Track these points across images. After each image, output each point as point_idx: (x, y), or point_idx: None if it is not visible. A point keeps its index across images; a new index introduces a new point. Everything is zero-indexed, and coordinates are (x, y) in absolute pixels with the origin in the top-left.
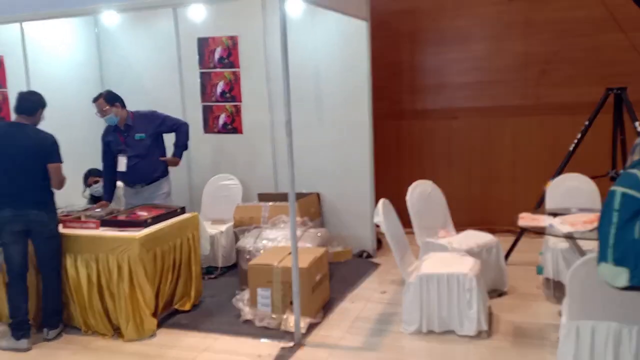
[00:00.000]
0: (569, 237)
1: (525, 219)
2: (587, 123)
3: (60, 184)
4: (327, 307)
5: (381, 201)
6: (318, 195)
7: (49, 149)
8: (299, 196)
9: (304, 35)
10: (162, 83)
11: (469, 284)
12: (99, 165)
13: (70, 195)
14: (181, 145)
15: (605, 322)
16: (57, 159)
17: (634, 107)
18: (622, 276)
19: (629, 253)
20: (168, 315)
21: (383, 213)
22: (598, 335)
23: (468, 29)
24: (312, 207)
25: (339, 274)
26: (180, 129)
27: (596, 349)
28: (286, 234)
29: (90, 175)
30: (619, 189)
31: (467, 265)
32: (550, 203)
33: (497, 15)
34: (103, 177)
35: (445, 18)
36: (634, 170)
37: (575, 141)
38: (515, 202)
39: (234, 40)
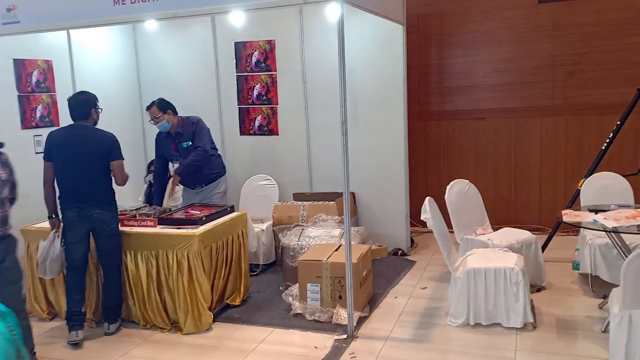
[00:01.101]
0: (615, 231)
1: (569, 216)
2: (619, 122)
3: (124, 180)
4: (372, 302)
5: (427, 199)
6: (353, 194)
7: (110, 147)
8: (336, 196)
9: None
10: (198, 87)
11: (515, 277)
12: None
13: (121, 196)
14: (186, 165)
15: None
16: (119, 156)
17: None
18: None
19: None
20: (220, 310)
21: (430, 210)
22: None
23: (495, 32)
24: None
25: (378, 271)
26: (196, 150)
27: None
28: (327, 231)
29: (151, 165)
30: None
31: (512, 260)
32: (584, 201)
33: (525, 18)
34: (153, 182)
35: (473, 22)
36: None
37: (608, 140)
38: (542, 201)
39: (271, 44)
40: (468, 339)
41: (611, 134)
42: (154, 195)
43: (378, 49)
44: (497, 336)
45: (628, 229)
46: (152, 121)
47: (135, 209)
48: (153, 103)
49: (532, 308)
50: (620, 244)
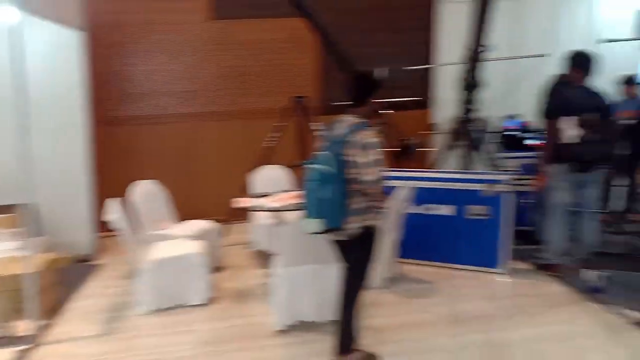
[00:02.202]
0: (277, 210)
1: (240, 202)
2: (279, 124)
3: None
4: (57, 309)
5: (108, 201)
6: (32, 204)
7: None
8: (11, 207)
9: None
10: None
11: (196, 261)
12: None
13: None
14: None
15: (305, 266)
16: None
17: (312, 111)
18: (317, 225)
19: (320, 208)
20: None
21: (113, 211)
22: (300, 277)
23: (175, 43)
24: (25, 217)
25: (64, 279)
26: None
27: (300, 287)
28: (3, 246)
29: None
30: (314, 166)
31: (193, 247)
32: (256, 189)
33: (201, 32)
34: None
35: (154, 32)
36: (321, 153)
37: (274, 139)
38: (223, 194)
39: None
40: (156, 323)
41: (274, 133)
42: None
43: (55, 56)
44: (183, 315)
45: (287, 207)
46: None
47: None
48: None
49: (213, 286)
50: (281, 220)
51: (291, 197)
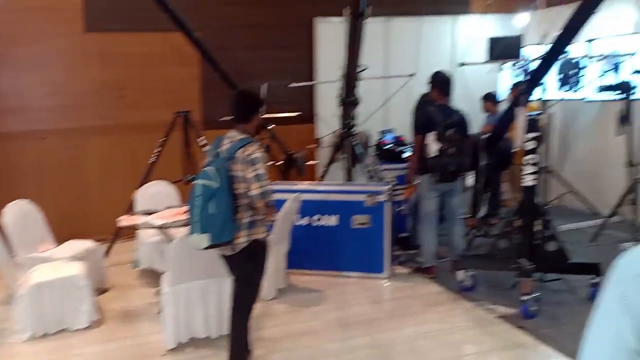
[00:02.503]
0: (163, 227)
1: (125, 220)
2: (163, 139)
3: None
4: None
5: None
6: None
7: None
8: None
9: None
10: None
11: (79, 283)
12: None
13: None
14: None
15: (195, 282)
16: None
17: (197, 126)
18: (205, 240)
19: (208, 223)
20: None
21: None
22: (191, 293)
23: (46, 56)
24: None
25: None
26: None
27: (191, 304)
28: None
29: None
30: (199, 182)
31: (75, 269)
32: (139, 206)
33: (73, 45)
34: None
35: (23, 45)
36: (207, 168)
37: (156, 154)
38: (106, 212)
39: None
40: (38, 349)
41: (158, 149)
42: None
43: None
44: (67, 339)
45: (174, 224)
46: None
47: None
48: None
49: (99, 308)
50: (168, 237)
51: (177, 213)
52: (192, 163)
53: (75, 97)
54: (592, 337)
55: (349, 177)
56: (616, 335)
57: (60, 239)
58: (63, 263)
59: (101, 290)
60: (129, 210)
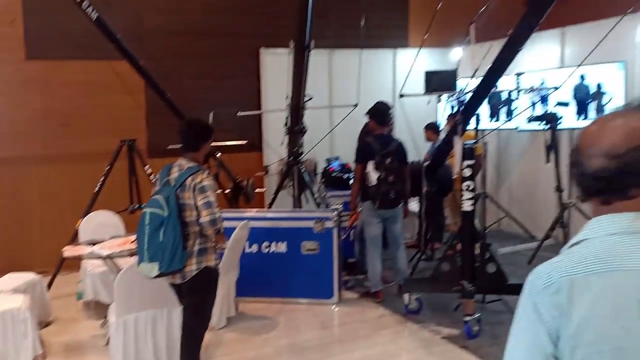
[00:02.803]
0: (109, 257)
1: (69, 250)
2: (108, 168)
3: None
4: None
5: None
6: None
7: None
8: None
9: None
10: None
11: (22, 315)
12: None
13: None
14: None
15: (144, 312)
16: None
17: (142, 154)
18: (155, 268)
19: (157, 252)
20: None
21: None
22: (140, 323)
23: None
24: None
25: None
26: None
27: (140, 334)
28: None
29: None
30: (148, 210)
31: (17, 302)
32: (83, 237)
33: (14, 72)
34: None
35: None
36: (156, 196)
37: (100, 183)
38: (49, 243)
39: None
40: None
41: (103, 177)
42: None
43: None
44: None
45: (120, 254)
46: None
47: None
48: None
49: (42, 342)
50: (115, 268)
51: (124, 243)
52: (138, 192)
53: (17, 125)
54: (512, 344)
55: (298, 204)
56: (533, 341)
57: (0, 271)
58: (4, 296)
59: (45, 324)
60: (73, 240)
